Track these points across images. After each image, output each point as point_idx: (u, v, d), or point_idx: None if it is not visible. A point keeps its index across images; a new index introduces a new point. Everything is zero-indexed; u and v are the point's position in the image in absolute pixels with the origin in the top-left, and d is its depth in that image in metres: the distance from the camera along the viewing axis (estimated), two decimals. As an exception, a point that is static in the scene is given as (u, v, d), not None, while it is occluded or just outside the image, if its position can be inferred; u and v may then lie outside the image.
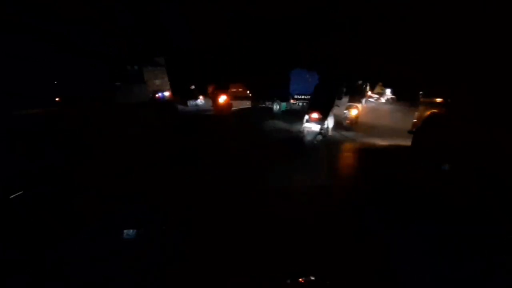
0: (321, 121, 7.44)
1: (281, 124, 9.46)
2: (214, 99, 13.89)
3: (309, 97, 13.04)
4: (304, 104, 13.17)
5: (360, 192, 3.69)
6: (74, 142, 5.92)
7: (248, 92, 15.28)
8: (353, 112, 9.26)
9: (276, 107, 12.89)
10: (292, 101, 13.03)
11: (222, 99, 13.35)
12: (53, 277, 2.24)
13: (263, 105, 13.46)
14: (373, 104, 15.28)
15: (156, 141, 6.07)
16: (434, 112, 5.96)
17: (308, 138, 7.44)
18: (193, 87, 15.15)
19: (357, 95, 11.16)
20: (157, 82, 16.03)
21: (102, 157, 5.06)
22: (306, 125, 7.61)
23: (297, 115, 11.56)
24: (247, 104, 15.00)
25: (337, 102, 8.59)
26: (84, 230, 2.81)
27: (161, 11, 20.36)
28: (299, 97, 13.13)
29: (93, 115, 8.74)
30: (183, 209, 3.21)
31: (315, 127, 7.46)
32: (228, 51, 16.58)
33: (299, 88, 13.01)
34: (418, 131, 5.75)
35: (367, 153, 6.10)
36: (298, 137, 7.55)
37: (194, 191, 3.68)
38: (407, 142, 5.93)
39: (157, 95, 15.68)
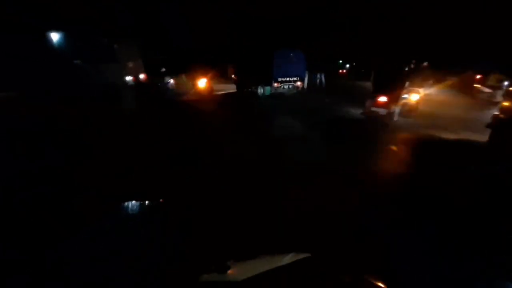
0: (388, 105, 6.79)
1: (274, 112, 9.07)
2: (194, 81, 12.73)
3: (294, 79, 12.34)
4: (290, 87, 12.34)
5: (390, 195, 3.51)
6: (74, 142, 5.91)
7: (233, 75, 14.18)
8: (414, 97, 7.93)
9: (260, 91, 12.11)
10: (275, 84, 11.92)
11: (202, 82, 12.22)
12: (53, 277, 2.23)
13: (249, 90, 12.56)
14: (436, 91, 12.85)
15: (155, 140, 6.06)
16: None
17: (373, 123, 6.83)
18: (163, 69, 13.90)
19: (419, 78, 9.53)
20: (131, 64, 13.18)
21: (102, 157, 5.06)
22: (373, 109, 6.99)
23: (286, 100, 11.33)
24: (232, 88, 13.96)
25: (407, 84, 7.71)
26: (84, 230, 2.81)
27: (161, 11, 20.38)
28: (283, 79, 12.06)
29: (93, 115, 8.71)
30: (183, 209, 3.20)
31: (382, 112, 6.82)
32: (228, 51, 16.45)
33: (283, 70, 11.94)
34: (500, 126, 4.86)
35: (426, 147, 5.35)
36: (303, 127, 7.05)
37: (194, 191, 3.68)
38: (482, 138, 5.20)
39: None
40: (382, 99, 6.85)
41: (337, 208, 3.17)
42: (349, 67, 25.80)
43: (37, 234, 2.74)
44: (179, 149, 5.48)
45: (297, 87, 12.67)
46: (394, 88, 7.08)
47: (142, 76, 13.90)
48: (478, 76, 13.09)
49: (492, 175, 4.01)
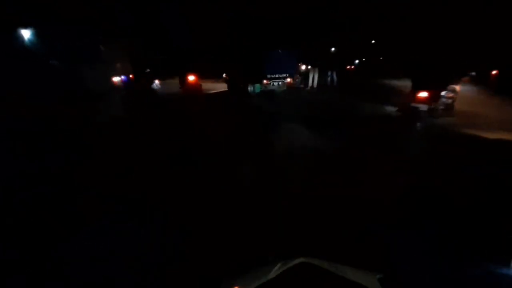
0: (430, 101, 6.47)
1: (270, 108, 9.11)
2: (182, 80, 12.79)
3: (284, 75, 12.70)
4: (280, 84, 12.63)
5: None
6: (74, 142, 5.91)
7: (224, 74, 14.40)
8: (451, 95, 7.43)
9: (250, 88, 12.42)
10: (265, 81, 12.27)
11: (191, 79, 12.32)
12: (53, 277, 2.24)
13: (240, 88, 12.73)
14: (471, 88, 12.19)
15: (155, 140, 6.06)
16: None
17: (413, 119, 6.54)
18: (148, 70, 13.99)
19: (455, 74, 8.93)
20: (118, 65, 12.96)
21: (102, 157, 5.06)
22: (412, 105, 6.69)
23: (280, 98, 11.29)
24: (223, 87, 14.09)
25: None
26: (84, 230, 2.81)
27: (161, 11, 20.39)
28: (273, 76, 12.42)
29: (93, 115, 8.71)
30: (183, 209, 3.20)
31: (423, 108, 6.52)
32: (228, 51, 16.45)
33: (272, 67, 12.31)
34: None
35: (466, 148, 5.15)
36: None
37: (194, 191, 3.68)
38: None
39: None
40: (423, 94, 6.54)
41: (337, 208, 3.17)
42: (358, 63, 25.19)
43: (37, 234, 2.74)
44: (178, 149, 5.48)
45: (287, 83, 12.95)
46: (440, 82, 6.74)
47: (130, 76, 13.95)
48: (493, 72, 13.07)
49: (492, 175, 4.02)
